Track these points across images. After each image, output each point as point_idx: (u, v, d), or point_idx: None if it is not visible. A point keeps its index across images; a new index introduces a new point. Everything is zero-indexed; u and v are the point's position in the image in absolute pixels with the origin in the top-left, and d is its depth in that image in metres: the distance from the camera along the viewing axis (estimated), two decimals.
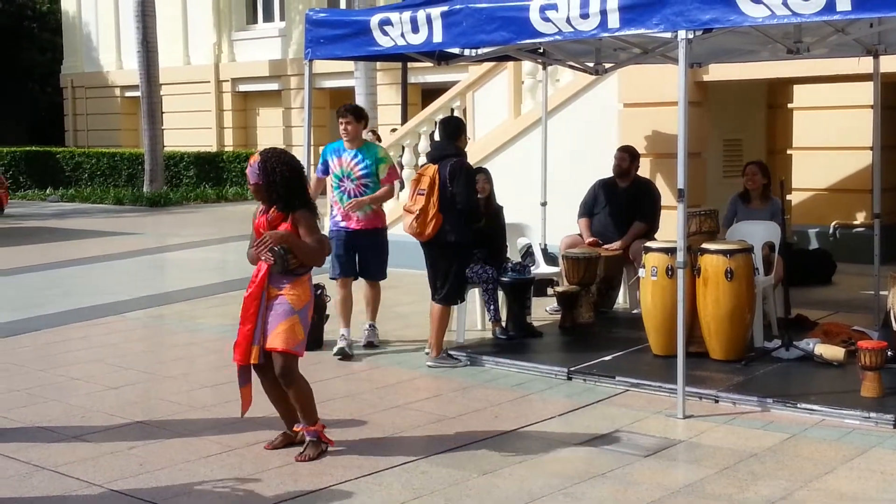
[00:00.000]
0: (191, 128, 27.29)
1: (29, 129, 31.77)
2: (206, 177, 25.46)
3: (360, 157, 7.69)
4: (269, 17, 26.68)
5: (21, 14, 33.38)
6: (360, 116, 7.77)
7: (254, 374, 5.26)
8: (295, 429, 5.36)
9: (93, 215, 21.14)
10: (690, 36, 5.85)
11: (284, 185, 5.13)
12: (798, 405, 5.93)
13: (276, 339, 5.10)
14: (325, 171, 7.89)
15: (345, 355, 7.53)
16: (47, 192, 25.62)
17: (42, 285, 11.63)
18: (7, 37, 31.58)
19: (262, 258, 5.12)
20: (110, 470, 5.09)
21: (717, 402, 6.19)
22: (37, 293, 11.00)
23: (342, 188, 7.76)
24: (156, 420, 6.00)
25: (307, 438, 5.25)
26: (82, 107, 30.62)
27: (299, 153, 7.32)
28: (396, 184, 8.30)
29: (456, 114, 11.91)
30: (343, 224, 7.77)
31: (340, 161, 7.74)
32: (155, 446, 5.49)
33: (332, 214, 7.87)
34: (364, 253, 7.81)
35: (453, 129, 7.49)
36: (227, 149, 26.80)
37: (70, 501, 4.71)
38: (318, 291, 7.29)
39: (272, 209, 5.20)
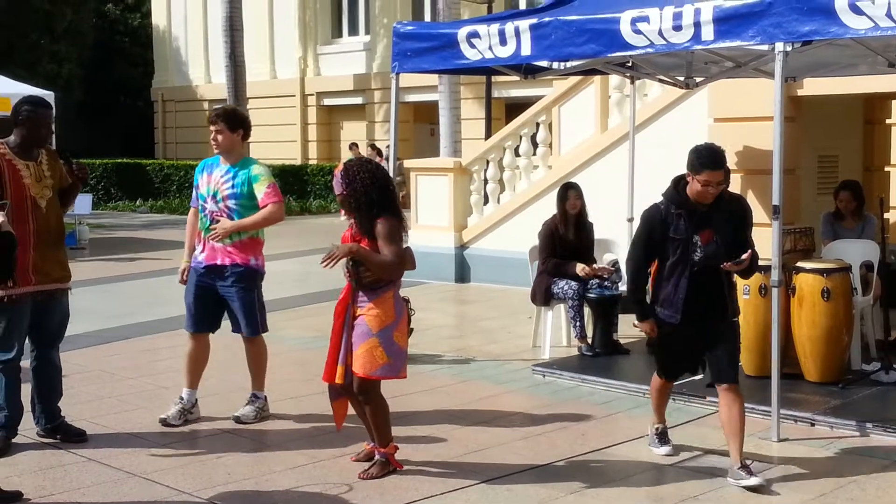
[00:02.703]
0: (276, 141, 27.65)
1: (121, 142, 32.55)
2: (290, 189, 25.73)
3: (231, 173, 6.04)
4: (354, 30, 26.94)
5: (113, 29, 34.29)
6: (235, 124, 6.03)
7: None
8: (366, 446, 5.34)
9: (180, 226, 21.28)
10: (788, 49, 5.69)
11: (366, 193, 4.93)
12: None
13: (356, 361, 5.03)
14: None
15: (166, 423, 6.04)
16: (137, 203, 26.20)
17: (132, 295, 11.87)
18: (100, 51, 32.44)
19: (339, 269, 5.04)
20: (198, 478, 5.13)
21: (812, 425, 5.99)
22: (127, 302, 11.22)
23: (205, 211, 6.09)
24: (241, 430, 6.03)
25: (376, 457, 5.21)
26: (172, 120, 31.31)
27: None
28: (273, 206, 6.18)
29: (541, 128, 11.84)
30: (201, 259, 6.09)
31: (210, 178, 6.08)
32: (241, 456, 5.52)
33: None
34: (228, 299, 6.11)
35: None
36: (311, 162, 27.09)
37: None
38: None
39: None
